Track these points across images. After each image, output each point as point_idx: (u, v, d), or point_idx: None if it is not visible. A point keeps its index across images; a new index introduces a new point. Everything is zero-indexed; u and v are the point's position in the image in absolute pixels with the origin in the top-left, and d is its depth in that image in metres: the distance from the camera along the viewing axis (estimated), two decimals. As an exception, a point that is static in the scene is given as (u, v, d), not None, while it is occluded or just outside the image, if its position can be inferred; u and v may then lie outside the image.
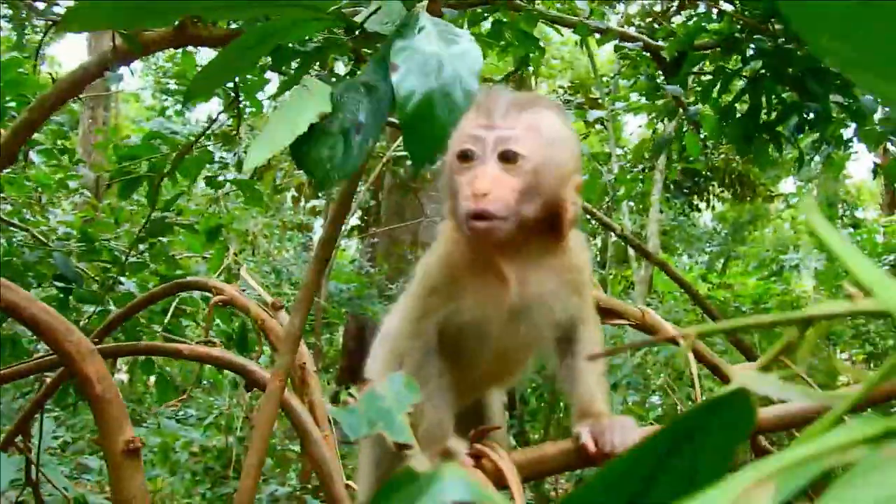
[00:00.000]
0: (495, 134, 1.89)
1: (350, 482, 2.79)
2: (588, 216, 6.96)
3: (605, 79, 13.26)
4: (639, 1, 14.72)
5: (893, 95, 1.16)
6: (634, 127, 17.19)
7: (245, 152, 7.41)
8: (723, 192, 16.58)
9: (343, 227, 11.37)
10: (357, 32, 1.92)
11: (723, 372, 3.13)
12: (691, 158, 7.37)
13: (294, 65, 4.98)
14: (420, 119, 1.69)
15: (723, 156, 14.22)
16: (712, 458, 0.71)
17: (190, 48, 6.65)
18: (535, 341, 2.10)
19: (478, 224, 1.85)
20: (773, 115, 5.59)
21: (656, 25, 8.18)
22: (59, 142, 6.86)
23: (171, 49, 5.27)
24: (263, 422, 1.86)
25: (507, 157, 1.88)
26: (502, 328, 2.03)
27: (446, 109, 1.70)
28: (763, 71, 5.46)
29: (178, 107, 14.34)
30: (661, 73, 6.48)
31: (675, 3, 11.38)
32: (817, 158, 7.36)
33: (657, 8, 13.07)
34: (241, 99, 5.86)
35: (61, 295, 5.38)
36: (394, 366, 2.11)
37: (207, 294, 5.45)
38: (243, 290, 3.37)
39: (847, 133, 6.55)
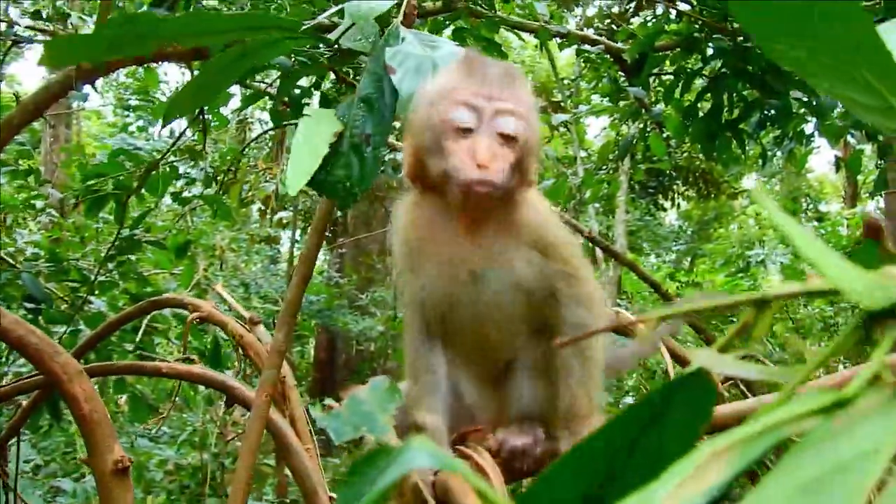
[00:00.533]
0: (494, 106, 1.90)
1: (334, 494, 2.80)
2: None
3: (566, 82, 13.32)
4: (597, 3, 14.84)
5: (845, 95, 1.19)
6: (598, 129, 17.30)
7: (211, 167, 7.42)
8: (687, 190, 16.68)
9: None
10: (333, 50, 1.94)
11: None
12: (655, 158, 7.42)
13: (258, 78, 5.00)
14: None
15: (686, 154, 14.29)
16: (678, 437, 0.73)
17: (152, 64, 6.64)
18: (506, 305, 2.05)
19: (480, 189, 1.86)
20: (735, 112, 5.65)
21: (615, 27, 8.24)
22: (23, 161, 6.82)
23: (134, 66, 5.26)
24: (251, 436, 1.87)
25: (506, 133, 1.89)
26: (468, 294, 2.02)
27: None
28: (723, 70, 5.52)
29: (141, 122, 14.30)
30: (622, 74, 6.53)
31: (633, 5, 11.47)
32: (780, 154, 7.43)
33: (615, 10, 13.17)
34: (205, 114, 5.85)
35: (31, 316, 5.34)
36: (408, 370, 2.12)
37: (179, 311, 5.45)
38: (218, 306, 3.38)
39: (808, 128, 6.63)
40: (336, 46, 2.02)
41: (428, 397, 2.02)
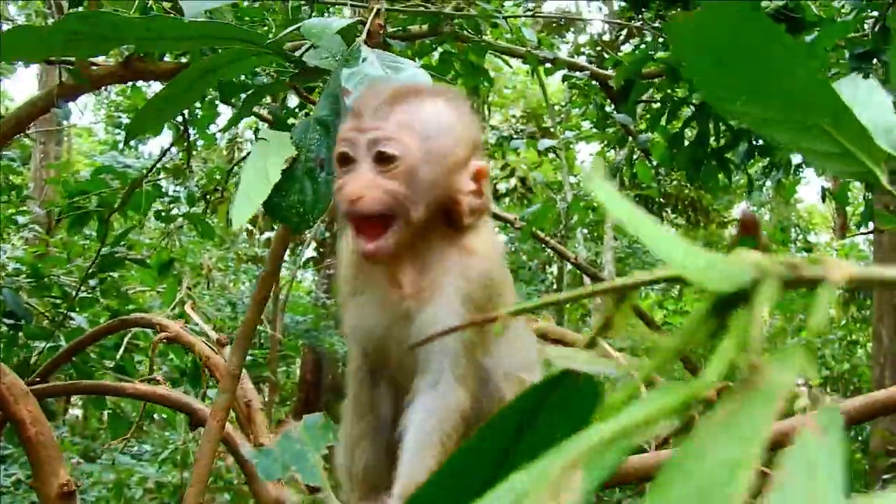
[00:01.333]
0: (367, 136, 1.76)
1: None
2: (542, 245, 6.97)
3: (556, 108, 13.35)
4: (589, 30, 14.89)
5: (804, 146, 1.19)
6: (587, 155, 17.32)
7: (197, 185, 7.41)
8: (676, 218, 16.71)
9: (297, 260, 11.35)
10: (297, 67, 1.91)
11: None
12: (644, 185, 7.42)
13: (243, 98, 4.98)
14: None
15: (675, 182, 14.32)
16: (562, 439, 0.70)
17: (140, 83, 6.63)
18: (424, 350, 1.86)
19: (365, 245, 1.73)
20: (722, 141, 5.65)
21: (605, 55, 8.26)
22: (13, 177, 6.81)
23: (120, 84, 5.26)
24: (202, 461, 1.84)
25: (382, 159, 1.75)
26: (399, 336, 1.88)
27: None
28: (710, 98, 5.53)
29: (132, 141, 14.30)
30: (609, 101, 6.54)
31: (624, 33, 11.51)
32: (768, 184, 7.44)
33: (606, 37, 13.23)
34: (191, 132, 5.84)
35: (11, 332, 5.32)
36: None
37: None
38: (186, 327, 3.36)
39: (795, 159, 6.64)
40: (300, 64, 1.99)
41: (369, 439, 1.91)
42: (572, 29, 13.35)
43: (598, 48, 11.89)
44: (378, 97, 1.80)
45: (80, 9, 4.35)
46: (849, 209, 19.39)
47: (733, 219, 18.94)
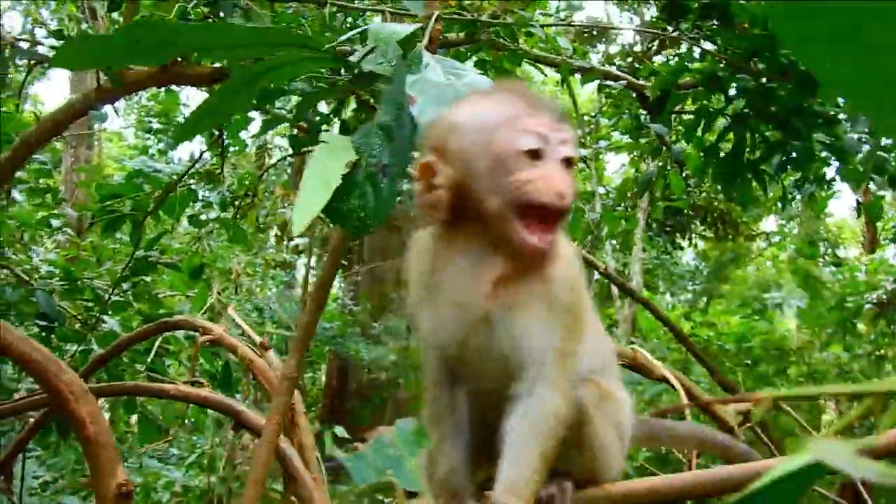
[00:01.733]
0: (561, 136, 1.83)
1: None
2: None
3: (586, 118, 13.32)
4: (620, 41, 14.86)
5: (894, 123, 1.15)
6: (617, 166, 17.28)
7: (229, 190, 7.42)
8: (704, 230, 16.64)
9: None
10: (353, 73, 1.91)
11: (712, 410, 3.12)
12: (674, 197, 7.39)
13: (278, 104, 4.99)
14: None
15: (704, 194, 14.26)
16: None
17: (173, 87, 6.65)
18: (516, 357, 1.89)
19: (540, 244, 1.79)
20: (757, 153, 5.61)
21: (637, 65, 8.23)
22: (41, 180, 6.83)
23: (155, 88, 5.28)
24: (259, 464, 1.83)
25: (570, 162, 1.84)
26: (480, 341, 1.89)
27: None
28: (746, 109, 5.49)
29: (161, 146, 14.36)
30: (643, 112, 6.51)
31: (656, 43, 11.47)
32: (798, 197, 7.39)
33: (637, 48, 13.18)
34: (224, 138, 5.86)
35: (43, 334, 5.33)
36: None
37: (191, 333, 5.43)
38: (228, 330, 3.34)
39: (829, 172, 6.59)
40: (356, 70, 1.98)
41: (450, 442, 1.92)
42: (603, 39, 13.32)
43: (630, 58, 11.86)
44: (553, 103, 1.88)
45: (134, 17, 4.36)
46: (879, 224, 19.28)
47: (761, 232, 18.89)
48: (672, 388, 2.94)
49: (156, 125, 14.87)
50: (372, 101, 2.27)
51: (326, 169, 1.73)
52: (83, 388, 2.25)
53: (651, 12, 11.52)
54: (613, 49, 13.76)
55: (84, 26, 7.57)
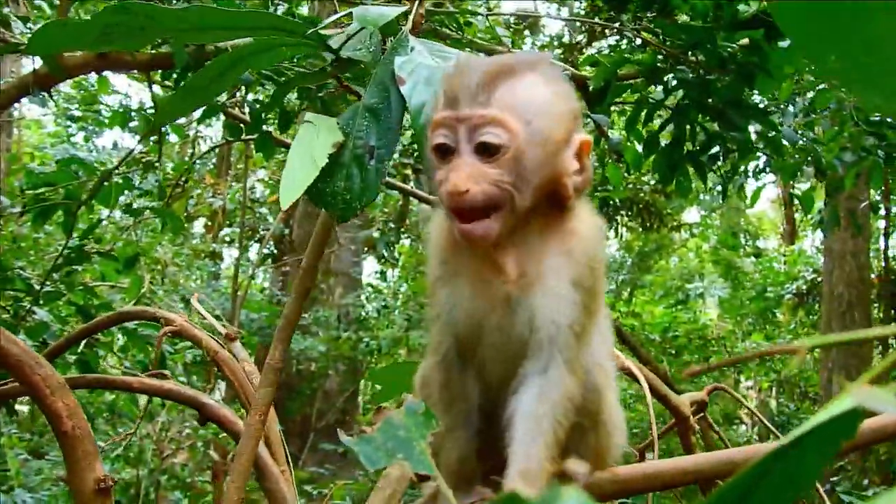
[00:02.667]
0: (467, 124, 1.69)
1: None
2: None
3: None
4: (547, 32, 14.91)
5: None
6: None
7: (169, 177, 7.30)
8: (631, 221, 16.80)
9: (258, 256, 11.25)
10: (335, 58, 1.87)
11: (672, 403, 3.15)
12: (610, 188, 7.43)
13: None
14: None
15: (631, 186, 14.39)
16: (810, 465, 0.70)
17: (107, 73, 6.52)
18: (533, 336, 1.81)
19: (469, 229, 1.69)
20: (696, 145, 5.66)
21: (566, 57, 8.27)
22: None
23: (97, 73, 5.16)
24: (243, 458, 1.79)
25: (486, 148, 1.68)
26: (499, 321, 1.81)
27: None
28: (685, 101, 5.53)
29: (84, 133, 14.09)
30: (584, 102, 6.53)
31: (586, 36, 11.55)
32: (730, 188, 7.50)
33: (566, 40, 13.26)
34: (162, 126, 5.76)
35: (-30, 326, 5.19)
36: (423, 391, 1.94)
37: (125, 325, 5.33)
38: (190, 320, 3.27)
39: (758, 164, 6.69)
40: (334, 55, 1.94)
41: (461, 429, 1.85)
42: (531, 31, 13.36)
43: (559, 50, 11.91)
44: (472, 78, 1.71)
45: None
46: (797, 216, 19.68)
47: (685, 223, 19.14)
48: (636, 381, 2.94)
49: (77, 113, 14.59)
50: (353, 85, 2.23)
51: (312, 148, 1.69)
52: (60, 382, 2.18)
53: (578, 5, 11.61)
54: (540, 41, 13.84)
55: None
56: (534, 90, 1.74)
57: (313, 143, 1.72)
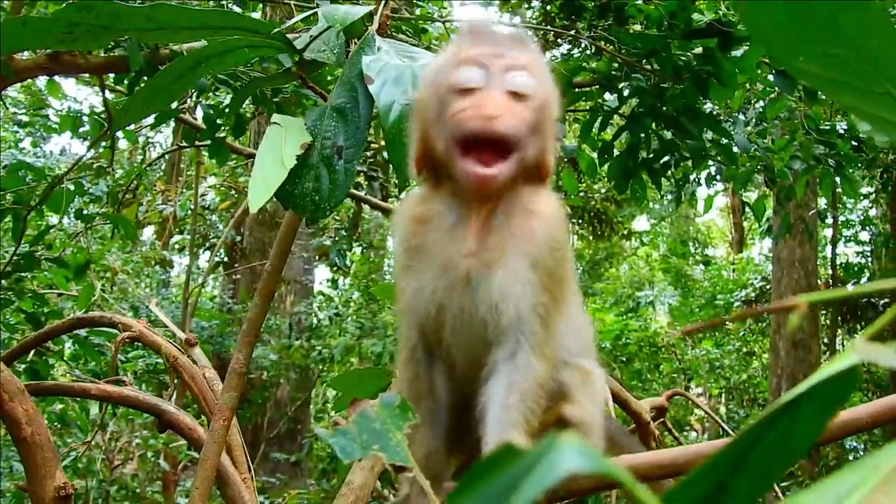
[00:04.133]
0: (504, 61, 1.71)
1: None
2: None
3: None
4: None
5: (871, 113, 1.17)
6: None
7: (120, 183, 7.22)
8: (581, 229, 16.87)
9: (209, 264, 11.15)
10: (299, 59, 1.85)
11: (632, 408, 3.15)
12: (564, 195, 7.45)
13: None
14: (403, 130, 1.64)
15: (582, 194, 14.45)
16: (807, 426, 0.69)
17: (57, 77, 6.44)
18: (496, 319, 1.77)
19: (481, 171, 1.68)
20: (651, 153, 5.70)
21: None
22: None
23: (47, 76, 5.09)
24: (208, 462, 1.76)
25: (518, 89, 1.70)
26: (460, 301, 1.79)
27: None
28: (640, 109, 5.57)
29: (31, 139, 13.90)
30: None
31: (539, 44, 11.54)
32: (670, 197, 7.55)
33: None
34: (112, 130, 5.69)
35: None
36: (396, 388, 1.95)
37: (76, 333, 5.25)
38: (149, 326, 3.22)
39: (711, 171, 6.75)
40: (298, 57, 1.92)
41: (428, 424, 1.83)
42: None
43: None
44: (503, 31, 1.77)
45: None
46: (745, 224, 19.89)
47: (635, 231, 19.24)
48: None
49: (24, 118, 14.38)
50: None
51: (280, 150, 1.67)
52: (19, 387, 2.13)
53: (531, 14, 11.63)
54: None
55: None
56: (546, 64, 1.82)
57: (281, 145, 1.70)
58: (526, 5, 11.67)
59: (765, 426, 0.67)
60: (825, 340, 15.24)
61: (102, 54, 4.69)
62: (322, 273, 16.82)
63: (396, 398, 1.42)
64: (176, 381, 3.16)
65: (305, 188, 1.74)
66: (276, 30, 1.76)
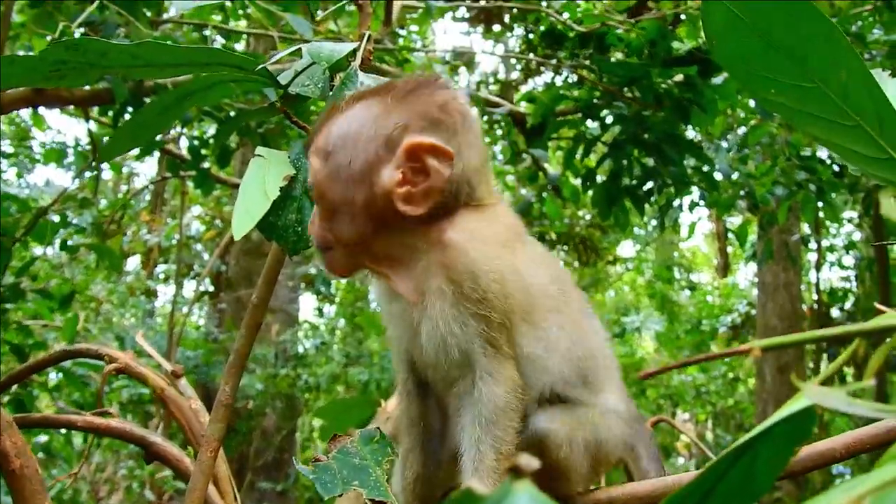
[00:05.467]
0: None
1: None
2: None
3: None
4: (479, 70, 15.02)
5: (840, 146, 1.20)
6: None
7: (105, 214, 7.23)
8: (567, 255, 16.90)
9: (194, 293, 11.13)
10: (284, 94, 1.87)
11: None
12: (547, 222, 7.50)
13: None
14: None
15: (567, 220, 14.50)
16: (768, 465, 0.72)
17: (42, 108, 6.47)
18: (446, 358, 1.73)
19: (323, 258, 1.76)
20: (634, 179, 5.74)
21: (501, 94, 8.34)
22: None
23: (32, 108, 5.12)
24: (195, 494, 1.77)
25: (313, 184, 1.72)
26: (414, 346, 1.78)
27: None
28: (622, 136, 5.62)
29: (14, 170, 13.88)
30: (522, 138, 6.59)
31: (521, 72, 11.64)
32: (654, 223, 7.60)
33: (501, 76, 13.37)
34: (96, 161, 5.71)
35: None
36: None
37: (61, 364, 5.24)
38: (136, 358, 3.22)
39: (693, 197, 6.79)
40: (284, 91, 1.94)
41: (418, 449, 1.83)
42: (464, 68, 13.46)
43: (492, 86, 12.00)
44: (321, 121, 1.75)
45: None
46: (730, 249, 19.96)
47: (619, 257, 19.27)
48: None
49: (8, 149, 14.38)
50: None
51: (263, 181, 1.69)
52: (8, 420, 2.13)
53: (513, 42, 11.73)
54: (475, 77, 13.95)
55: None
56: (344, 122, 1.72)
57: (265, 176, 1.72)
58: (509, 34, 11.78)
59: (728, 463, 0.70)
60: (811, 365, 15.29)
61: (87, 87, 4.72)
62: (307, 301, 16.83)
63: (376, 433, 1.44)
64: (162, 412, 3.17)
65: (288, 220, 1.76)
66: (260, 66, 1.78)
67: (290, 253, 1.77)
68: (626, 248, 21.26)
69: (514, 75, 13.16)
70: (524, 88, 10.67)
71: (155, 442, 2.65)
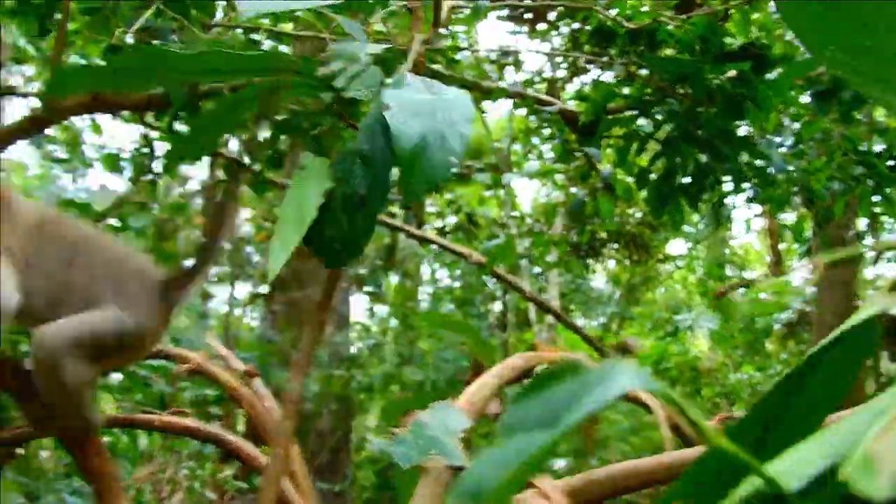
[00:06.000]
0: None
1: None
2: (496, 278, 7.01)
3: (497, 144, 13.39)
4: (526, 68, 14.98)
5: (892, 104, 1.20)
6: (523, 191, 17.36)
7: (163, 217, 7.31)
8: (617, 254, 16.82)
9: (247, 295, 11.20)
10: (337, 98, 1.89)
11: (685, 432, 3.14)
12: (597, 221, 7.48)
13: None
14: (416, 158, 1.66)
15: (617, 219, 14.42)
16: (835, 381, 0.72)
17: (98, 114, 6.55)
18: None
19: None
20: (688, 177, 5.70)
21: (551, 91, 8.33)
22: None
23: (89, 115, 5.19)
24: (269, 489, 1.80)
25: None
26: None
27: (441, 150, 1.67)
28: (675, 133, 5.57)
29: (69, 175, 14.07)
30: (574, 136, 6.56)
31: (567, 71, 11.61)
32: (704, 221, 7.55)
33: (546, 75, 13.32)
34: (155, 165, 5.79)
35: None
36: None
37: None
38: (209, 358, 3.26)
39: (743, 195, 6.74)
40: (338, 94, 1.96)
41: None
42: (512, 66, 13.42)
43: (539, 84, 11.94)
44: None
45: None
46: (783, 246, 19.75)
47: (670, 255, 19.11)
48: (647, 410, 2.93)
49: (62, 155, 14.53)
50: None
51: (301, 203, 1.71)
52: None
53: (556, 41, 11.67)
54: (521, 76, 13.89)
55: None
56: None
57: (304, 193, 1.73)
58: (553, 32, 11.74)
59: (793, 383, 0.70)
60: (868, 362, 15.09)
61: (142, 92, 4.78)
62: (358, 301, 16.84)
63: (450, 405, 1.47)
64: (225, 413, 3.20)
65: (329, 234, 1.78)
66: (319, 71, 1.80)
67: (327, 266, 1.79)
68: (677, 246, 21.12)
69: (560, 73, 13.13)
70: (570, 87, 10.61)
71: (230, 440, 2.69)
